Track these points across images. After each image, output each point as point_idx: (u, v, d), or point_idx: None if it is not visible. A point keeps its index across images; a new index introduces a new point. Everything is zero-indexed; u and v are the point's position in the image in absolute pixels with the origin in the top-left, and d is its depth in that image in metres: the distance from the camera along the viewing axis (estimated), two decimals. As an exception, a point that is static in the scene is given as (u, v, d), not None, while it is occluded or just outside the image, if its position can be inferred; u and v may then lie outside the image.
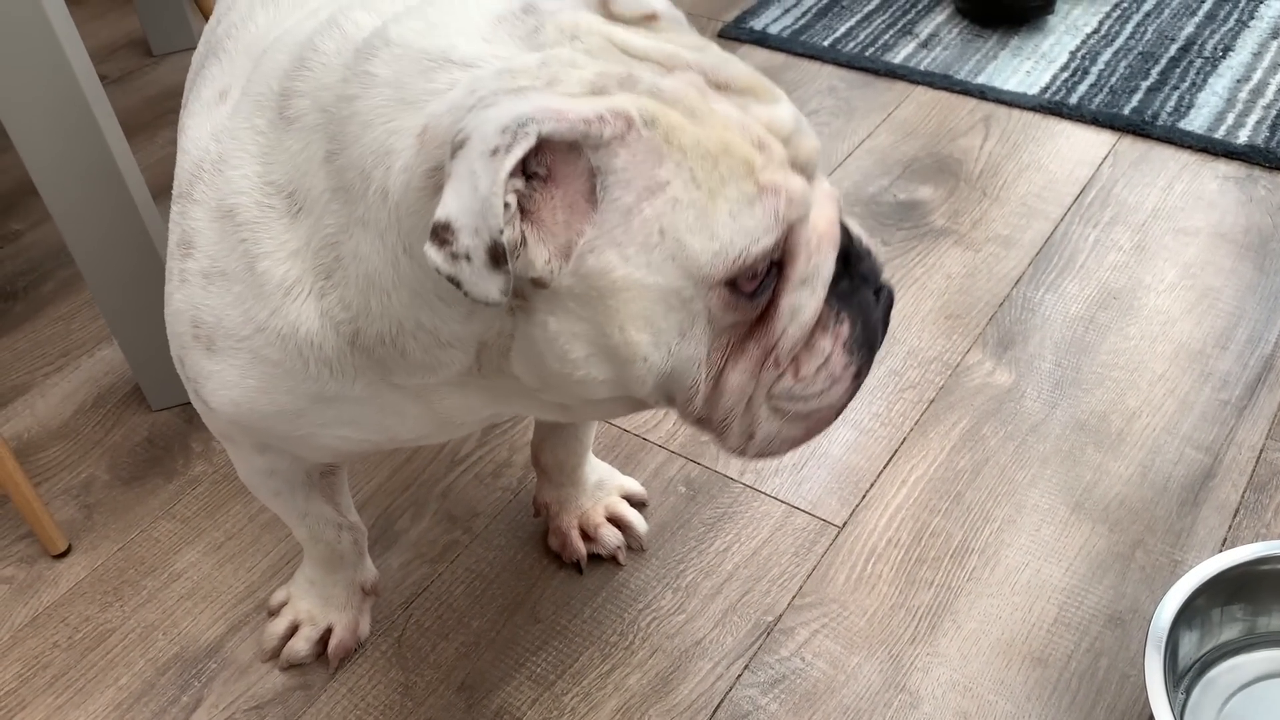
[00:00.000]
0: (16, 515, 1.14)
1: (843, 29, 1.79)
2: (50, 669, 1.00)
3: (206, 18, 1.51)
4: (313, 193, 0.61)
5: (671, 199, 0.55)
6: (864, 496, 1.08)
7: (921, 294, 1.30)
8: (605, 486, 1.07)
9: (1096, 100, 1.57)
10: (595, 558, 1.05)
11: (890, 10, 1.83)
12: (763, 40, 1.78)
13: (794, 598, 1.00)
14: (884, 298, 0.67)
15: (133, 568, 1.08)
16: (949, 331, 1.25)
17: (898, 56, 1.71)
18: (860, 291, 0.65)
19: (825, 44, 1.75)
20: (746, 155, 0.57)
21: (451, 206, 0.50)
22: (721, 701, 0.93)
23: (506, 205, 0.51)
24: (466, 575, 1.05)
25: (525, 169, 0.52)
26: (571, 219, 0.55)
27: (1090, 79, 1.62)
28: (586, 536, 1.05)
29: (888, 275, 0.69)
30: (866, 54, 1.72)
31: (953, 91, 1.64)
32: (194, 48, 0.59)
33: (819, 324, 0.63)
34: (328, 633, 0.98)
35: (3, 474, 1.06)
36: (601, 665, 0.97)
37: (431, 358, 0.62)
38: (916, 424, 1.15)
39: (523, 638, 0.99)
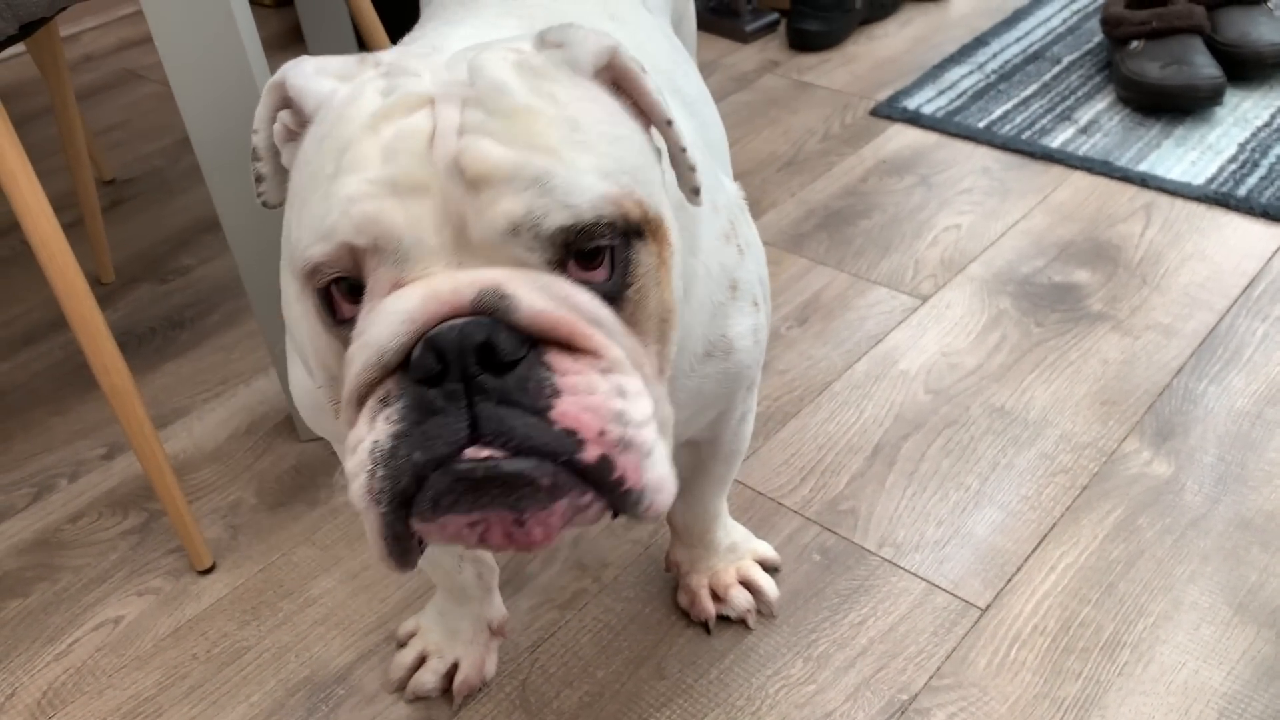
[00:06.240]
0: (169, 530, 1.19)
1: (998, 112, 1.77)
2: (188, 680, 1.03)
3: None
4: None
5: (298, 182, 0.57)
6: (1009, 580, 1.04)
7: (1076, 378, 1.26)
8: (738, 550, 1.05)
9: (1268, 193, 1.51)
10: (724, 619, 1.03)
11: (1048, 96, 1.81)
12: (915, 120, 1.78)
13: (931, 678, 0.96)
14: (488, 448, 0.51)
15: (271, 589, 1.11)
16: (1104, 418, 1.20)
17: (1055, 141, 1.68)
18: (438, 421, 0.51)
19: (980, 125, 1.74)
20: (361, 162, 0.52)
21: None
22: (850, 778, 0.90)
23: (277, 129, 0.61)
24: (594, 624, 1.04)
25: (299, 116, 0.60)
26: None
27: (1260, 171, 1.56)
28: (716, 597, 1.03)
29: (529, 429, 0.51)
30: (1023, 137, 1.70)
31: (1112, 178, 1.60)
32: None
33: (372, 402, 0.52)
34: (454, 668, 0.99)
35: (163, 490, 1.10)
36: (726, 728, 0.94)
37: None
38: (1068, 510, 1.10)
39: (647, 693, 0.98)
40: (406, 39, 0.83)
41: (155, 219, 1.77)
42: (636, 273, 0.56)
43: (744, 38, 2.11)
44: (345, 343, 0.54)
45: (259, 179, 0.62)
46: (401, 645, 1.03)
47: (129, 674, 1.04)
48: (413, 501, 0.52)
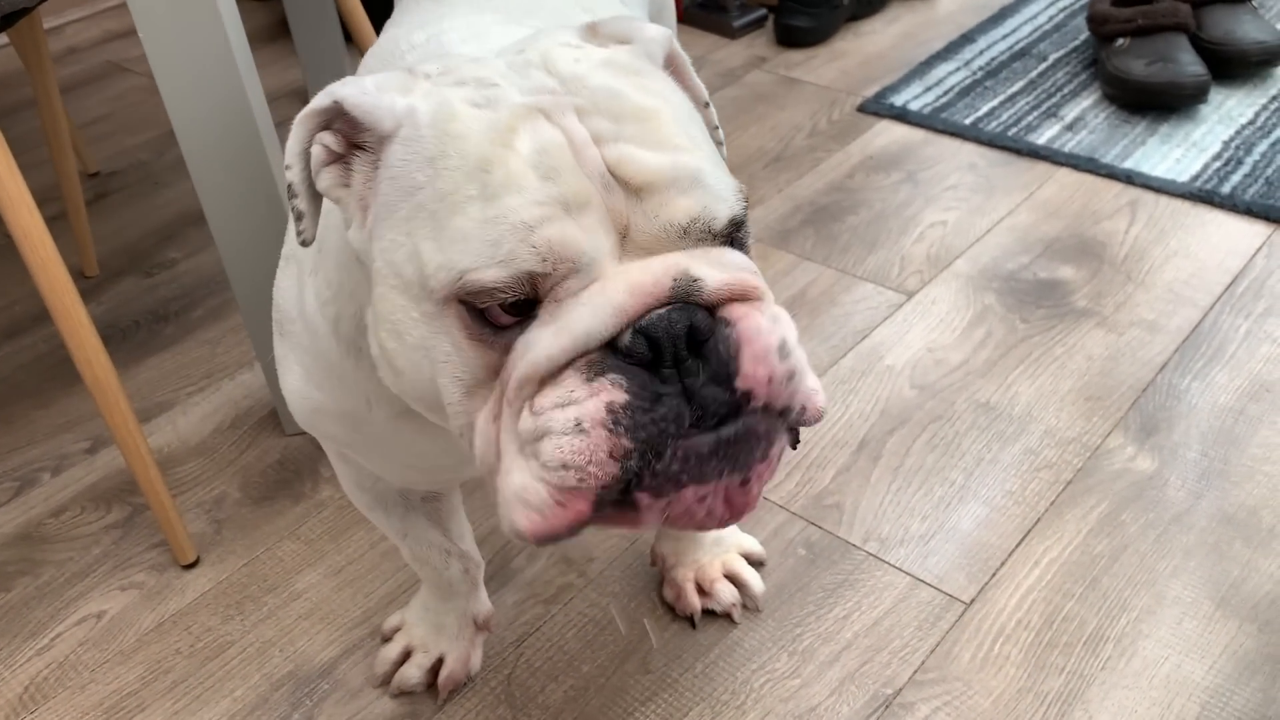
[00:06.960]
0: (153, 524, 1.18)
1: (985, 108, 1.78)
2: (171, 674, 1.03)
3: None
4: None
5: (418, 204, 0.55)
6: (994, 574, 1.04)
7: (1060, 374, 1.26)
8: (724, 544, 1.06)
9: (1251, 191, 1.52)
10: (709, 613, 1.03)
11: (1034, 93, 1.81)
12: (902, 116, 1.78)
13: (915, 672, 0.97)
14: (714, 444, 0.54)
15: (255, 584, 1.11)
16: (1089, 413, 1.21)
17: (1041, 138, 1.69)
18: (669, 401, 0.53)
19: (966, 122, 1.74)
20: (518, 181, 0.53)
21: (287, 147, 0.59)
22: (834, 772, 0.90)
23: (316, 152, 0.58)
24: (579, 619, 1.04)
25: (348, 138, 0.58)
26: (367, 187, 0.58)
27: (1244, 169, 1.57)
28: (702, 591, 1.03)
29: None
30: (1009, 134, 1.70)
31: (1098, 175, 1.60)
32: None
33: (574, 369, 0.53)
34: (439, 662, 0.98)
35: (146, 484, 1.10)
36: (711, 722, 0.94)
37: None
38: (1052, 504, 1.10)
39: (632, 687, 0.98)
40: (386, 31, 0.83)
41: (140, 212, 1.76)
42: (746, 243, 0.60)
43: (732, 33, 2.11)
44: (502, 350, 0.55)
45: (299, 216, 0.59)
46: (386, 640, 1.03)
47: (112, 669, 1.04)
48: (642, 475, 0.54)
